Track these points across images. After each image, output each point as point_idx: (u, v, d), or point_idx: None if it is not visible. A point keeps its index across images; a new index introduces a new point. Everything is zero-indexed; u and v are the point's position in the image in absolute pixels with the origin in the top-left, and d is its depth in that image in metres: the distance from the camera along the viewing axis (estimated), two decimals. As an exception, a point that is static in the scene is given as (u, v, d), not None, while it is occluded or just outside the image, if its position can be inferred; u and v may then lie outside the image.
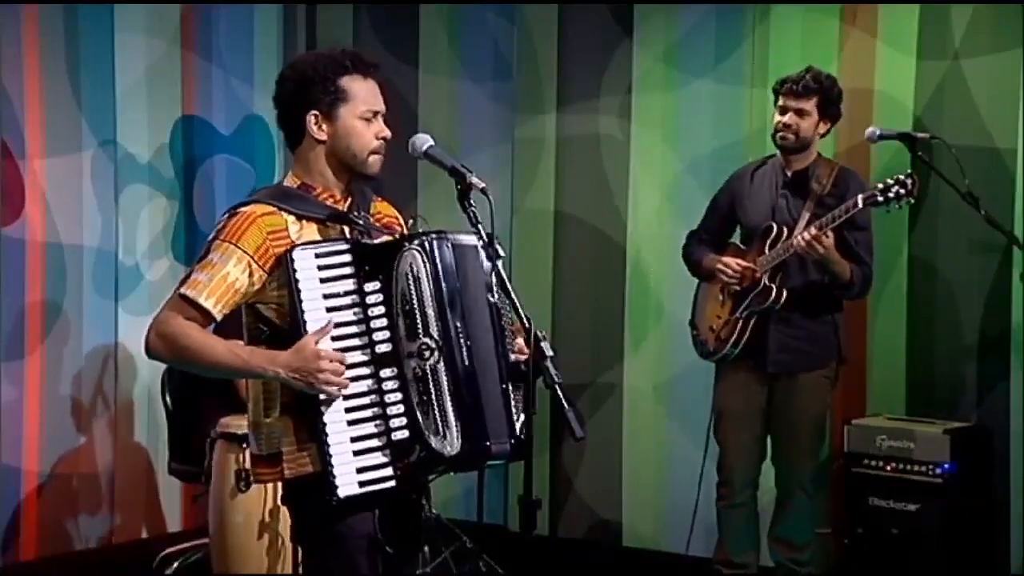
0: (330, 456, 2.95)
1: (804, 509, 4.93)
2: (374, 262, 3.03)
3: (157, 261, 6.20)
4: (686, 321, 5.15)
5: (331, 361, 2.94)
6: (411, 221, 3.38)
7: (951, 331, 5.32)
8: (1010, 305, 5.18)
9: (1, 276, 5.60)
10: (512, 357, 3.10)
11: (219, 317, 3.02)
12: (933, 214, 5.32)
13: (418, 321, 3.00)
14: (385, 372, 3.00)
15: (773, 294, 4.79)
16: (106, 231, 5.98)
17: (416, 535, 3.23)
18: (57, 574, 5.72)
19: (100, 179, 5.96)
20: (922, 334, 5.38)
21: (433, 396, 2.99)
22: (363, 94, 3.12)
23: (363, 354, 3.00)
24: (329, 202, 3.14)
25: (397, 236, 3.17)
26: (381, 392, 3.00)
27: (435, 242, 3.04)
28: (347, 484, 2.95)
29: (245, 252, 3.01)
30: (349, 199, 3.17)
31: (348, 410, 2.98)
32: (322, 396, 2.96)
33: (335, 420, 2.97)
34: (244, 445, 4.58)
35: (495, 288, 3.09)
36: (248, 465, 3.84)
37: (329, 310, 2.99)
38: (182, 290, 3.02)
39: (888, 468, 5.04)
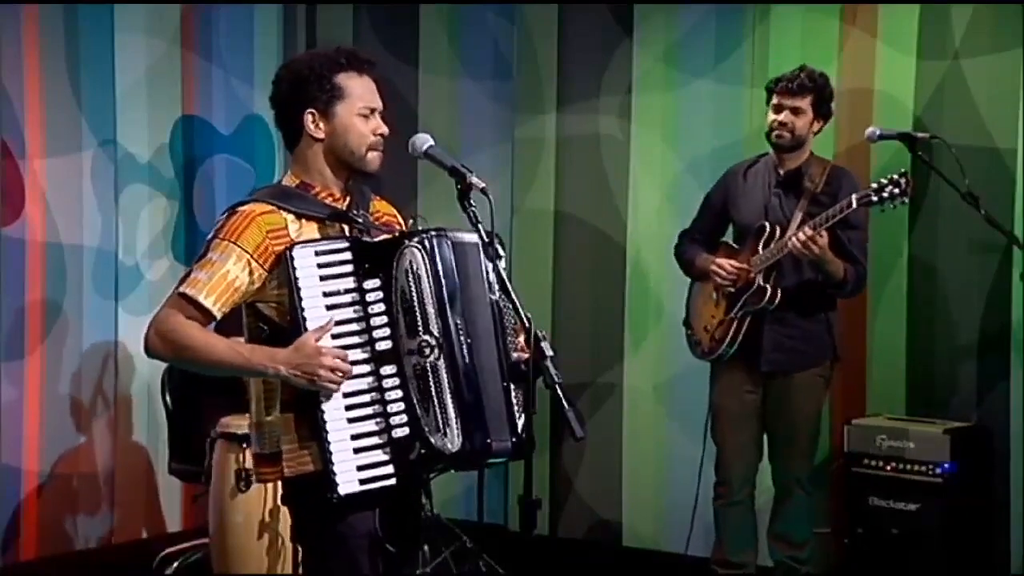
0: (330, 454, 2.95)
1: (802, 507, 4.93)
2: (374, 260, 3.03)
3: (157, 261, 6.20)
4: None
5: (332, 357, 2.95)
6: (411, 221, 3.38)
7: (951, 331, 5.32)
8: (1010, 305, 5.18)
9: (1, 276, 5.60)
10: (514, 356, 3.10)
11: (219, 316, 3.02)
12: (933, 214, 5.32)
13: (418, 318, 3.00)
14: (385, 370, 3.00)
15: (768, 294, 4.79)
16: (106, 231, 5.98)
17: (416, 534, 3.23)
18: (57, 574, 5.72)
19: (100, 179, 5.96)
20: (922, 334, 5.38)
21: (433, 393, 2.99)
22: (359, 91, 3.13)
23: (363, 352, 3.00)
24: (328, 201, 3.14)
25: (397, 234, 3.17)
26: (381, 390, 3.00)
27: (435, 239, 3.04)
28: (347, 482, 2.95)
29: (245, 251, 3.01)
30: (348, 198, 3.17)
31: (348, 408, 2.98)
32: (322, 393, 2.96)
33: (335, 418, 2.97)
34: (244, 445, 4.58)
35: (495, 287, 3.09)
36: (249, 465, 3.85)
37: (329, 308, 2.99)
38: (182, 289, 3.02)
39: (888, 468, 5.04)
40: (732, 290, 4.87)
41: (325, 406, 2.97)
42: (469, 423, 3.00)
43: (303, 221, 3.10)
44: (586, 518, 6.13)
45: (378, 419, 2.99)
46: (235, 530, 4.69)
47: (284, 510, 3.23)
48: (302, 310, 2.98)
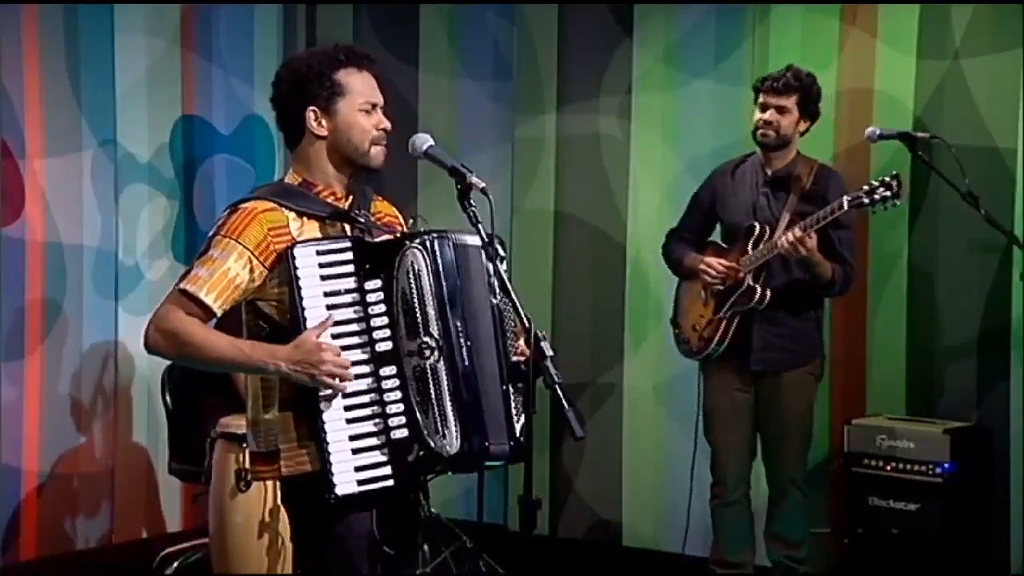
0: (328, 454, 2.95)
1: (798, 506, 4.94)
2: (375, 260, 3.03)
3: (157, 261, 6.20)
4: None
5: (332, 354, 2.94)
6: (411, 221, 3.38)
7: (951, 331, 5.32)
8: (1010, 305, 5.17)
9: (1, 276, 5.60)
10: (513, 359, 3.10)
11: (219, 313, 3.02)
12: (933, 214, 5.32)
13: (419, 320, 3.00)
14: (385, 371, 3.00)
15: (757, 294, 4.80)
16: (106, 231, 5.98)
17: (414, 535, 3.23)
18: (57, 574, 5.72)
19: (100, 179, 5.96)
20: (922, 334, 5.38)
21: (433, 395, 2.99)
22: (360, 87, 3.13)
23: (363, 352, 3.00)
24: (330, 199, 3.14)
25: (398, 235, 3.17)
26: (381, 391, 2.99)
27: (437, 241, 3.04)
28: (345, 483, 2.95)
29: (246, 248, 3.01)
30: (350, 197, 3.17)
31: (347, 408, 2.98)
32: (322, 393, 2.96)
33: (334, 418, 2.97)
34: (244, 445, 4.57)
35: (496, 289, 3.09)
36: (248, 464, 3.84)
37: (330, 308, 2.99)
38: (182, 285, 3.02)
39: (888, 468, 5.04)
40: (721, 289, 4.88)
41: (324, 406, 2.96)
42: (468, 426, 3.00)
43: (305, 219, 3.09)
44: (586, 518, 6.13)
45: (377, 420, 2.99)
46: (235, 530, 4.68)
47: (284, 510, 3.22)
48: (303, 309, 2.97)
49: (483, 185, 3.04)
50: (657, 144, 5.97)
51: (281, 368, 2.96)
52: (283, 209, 3.07)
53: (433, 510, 4.58)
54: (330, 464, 2.95)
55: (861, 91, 5.45)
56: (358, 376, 2.99)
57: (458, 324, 3.03)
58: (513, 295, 3.02)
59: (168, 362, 5.49)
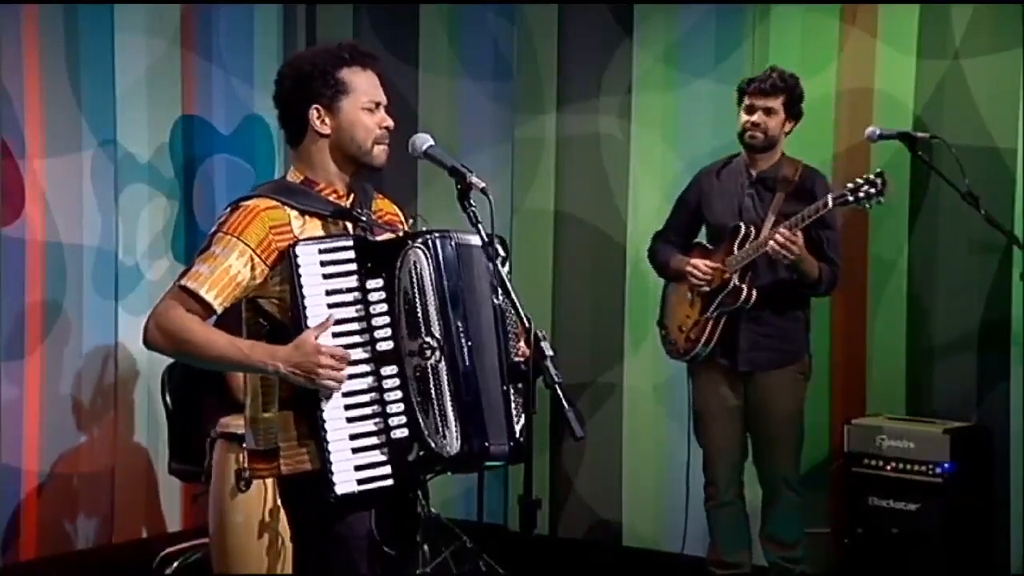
0: (328, 453, 2.94)
1: (791, 507, 4.93)
2: (377, 259, 3.02)
3: (157, 261, 6.20)
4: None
5: (331, 356, 2.94)
6: (411, 220, 3.37)
7: (951, 331, 5.32)
8: (1010, 305, 5.17)
9: (1, 276, 5.60)
10: (513, 359, 3.10)
11: (220, 310, 3.02)
12: (933, 214, 5.32)
13: (420, 320, 2.99)
14: (386, 370, 2.99)
15: (744, 294, 4.80)
16: (106, 231, 5.98)
17: (414, 534, 3.23)
18: (57, 574, 5.72)
19: (100, 179, 5.96)
20: (922, 334, 5.38)
21: (433, 396, 2.99)
22: (364, 85, 3.13)
23: (364, 351, 3.00)
24: (332, 198, 3.14)
25: (400, 234, 3.17)
26: (381, 390, 2.99)
27: (439, 241, 3.04)
28: (345, 482, 2.95)
29: (247, 245, 3.01)
30: (352, 195, 3.17)
31: (347, 407, 2.98)
32: (322, 392, 2.96)
33: (334, 417, 2.97)
34: (244, 444, 4.58)
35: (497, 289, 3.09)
36: (246, 462, 3.84)
37: (331, 306, 2.98)
38: (183, 282, 3.02)
39: (888, 468, 5.04)
40: (707, 290, 4.88)
41: (324, 405, 2.96)
42: (468, 426, 3.00)
43: (306, 218, 3.09)
44: (586, 518, 6.13)
45: (377, 419, 2.99)
46: (235, 530, 4.68)
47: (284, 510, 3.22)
48: (304, 308, 2.97)
49: (483, 185, 3.04)
50: (657, 144, 5.97)
51: (280, 369, 2.96)
52: (285, 207, 3.07)
53: (433, 510, 4.58)
54: (330, 463, 2.94)
55: (861, 91, 5.45)
56: (359, 375, 2.99)
57: (459, 324, 3.02)
58: (513, 295, 3.02)
59: (168, 362, 5.51)
